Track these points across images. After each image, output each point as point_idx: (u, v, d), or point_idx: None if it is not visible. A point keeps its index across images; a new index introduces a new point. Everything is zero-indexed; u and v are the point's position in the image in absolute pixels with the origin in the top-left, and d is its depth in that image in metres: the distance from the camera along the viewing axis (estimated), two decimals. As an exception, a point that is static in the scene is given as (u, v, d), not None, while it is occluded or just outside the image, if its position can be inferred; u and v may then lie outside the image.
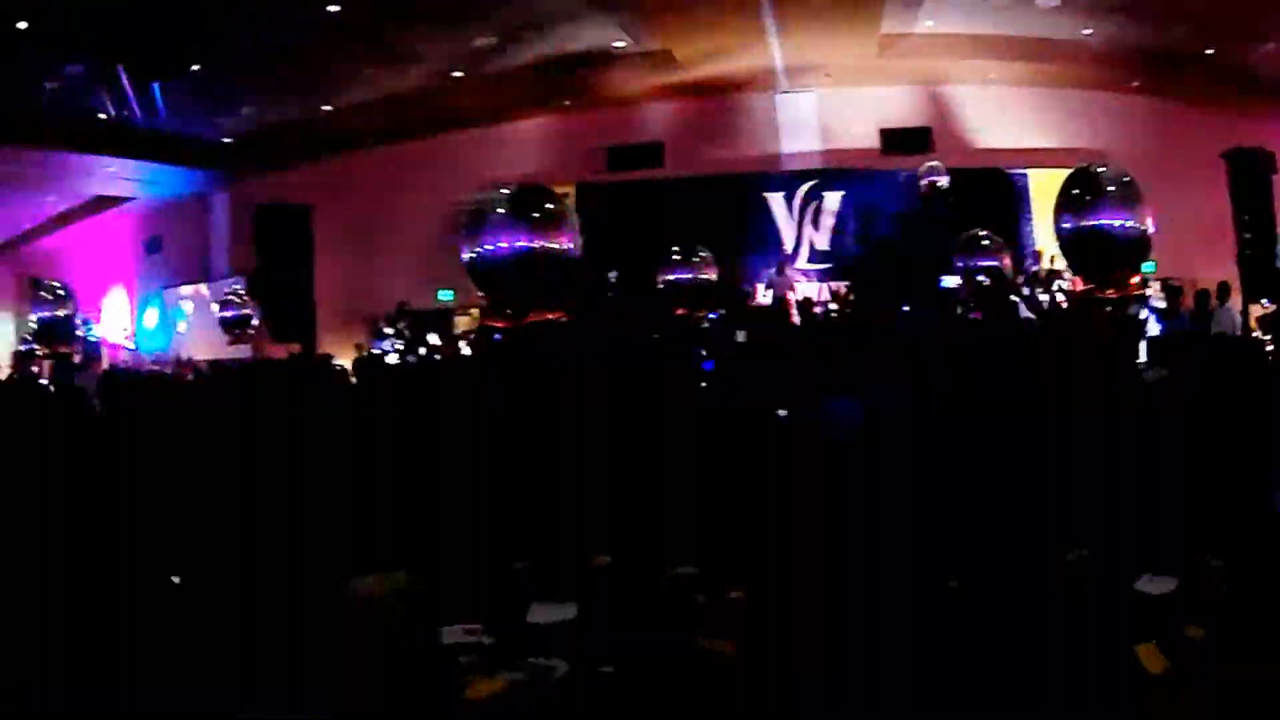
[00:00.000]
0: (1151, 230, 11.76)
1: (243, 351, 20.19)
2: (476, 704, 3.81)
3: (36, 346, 17.46)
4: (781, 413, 6.57)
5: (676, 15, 18.02)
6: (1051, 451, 5.57)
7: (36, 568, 4.64)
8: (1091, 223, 11.81)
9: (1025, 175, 22.27)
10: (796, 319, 17.67)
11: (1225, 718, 3.70)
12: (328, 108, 21.38)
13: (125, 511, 5.16)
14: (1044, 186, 19.59)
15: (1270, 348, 12.22)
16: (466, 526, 5.27)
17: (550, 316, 10.72)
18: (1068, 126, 21.88)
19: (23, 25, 14.96)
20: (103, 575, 4.63)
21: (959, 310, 16.15)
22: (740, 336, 13.82)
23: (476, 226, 11.15)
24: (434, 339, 20.34)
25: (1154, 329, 14.71)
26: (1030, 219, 21.84)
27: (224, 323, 19.93)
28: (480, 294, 12.13)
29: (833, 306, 20.03)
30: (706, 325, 16.56)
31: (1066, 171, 12.81)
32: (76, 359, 17.38)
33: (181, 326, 26.49)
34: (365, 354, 19.62)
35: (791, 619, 4.49)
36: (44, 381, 16.12)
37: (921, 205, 20.92)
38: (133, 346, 26.50)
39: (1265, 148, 14.60)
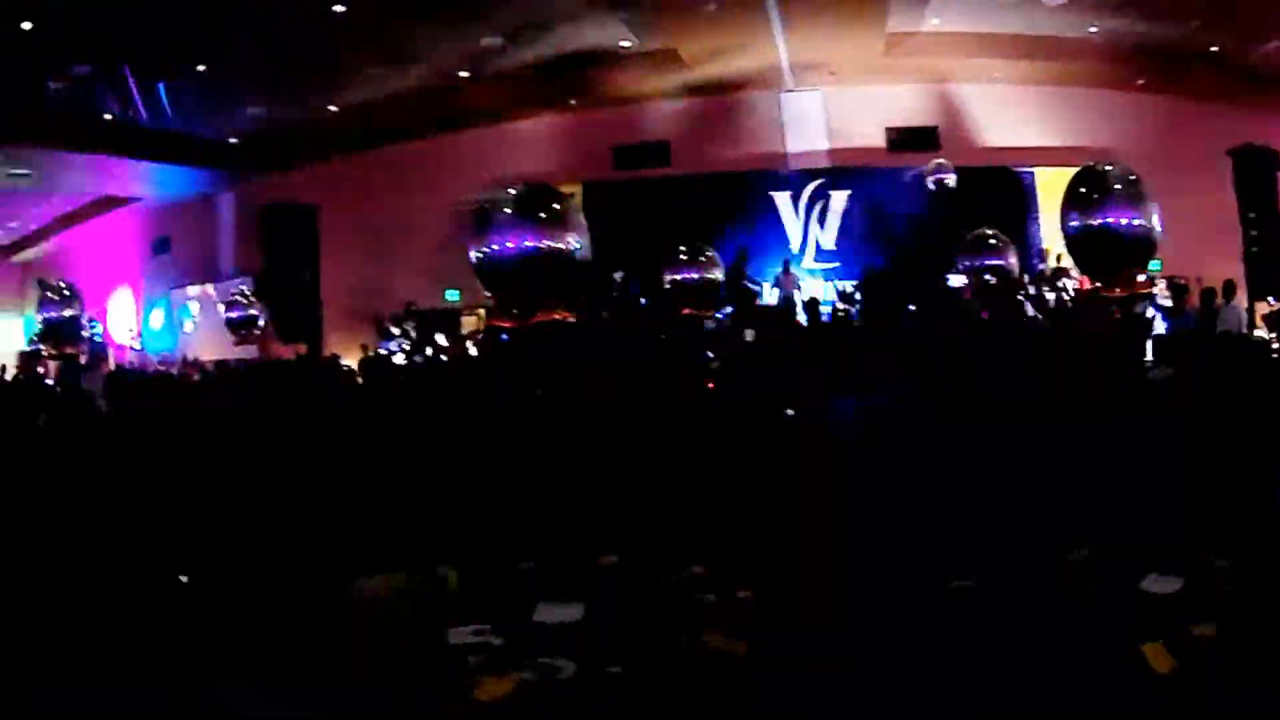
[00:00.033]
0: (1158, 229, 11.75)
1: (249, 352, 20.20)
2: (485, 704, 3.81)
3: (43, 346, 17.47)
4: (789, 412, 6.57)
5: (682, 14, 18.02)
6: (1057, 450, 5.57)
7: (43, 567, 4.65)
8: (1098, 221, 11.80)
9: (1032, 173, 22.26)
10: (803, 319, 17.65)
11: (1233, 717, 3.69)
12: (334, 108, 21.42)
13: (131, 511, 5.18)
14: (1050, 185, 19.57)
15: (1276, 345, 12.19)
16: (474, 526, 5.27)
17: (557, 316, 10.72)
18: (1074, 125, 21.86)
19: (28, 26, 14.98)
20: (109, 574, 4.64)
21: (966, 310, 16.12)
22: (748, 336, 13.81)
23: (483, 226, 11.15)
24: (441, 339, 20.33)
25: (1160, 327, 14.69)
26: (1037, 217, 21.82)
27: (230, 323, 19.93)
28: (487, 294, 12.13)
29: (840, 306, 20.01)
30: (711, 325, 16.53)
31: (1073, 170, 12.79)
32: (82, 359, 17.38)
33: (188, 327, 26.52)
34: (372, 354, 19.62)
35: (800, 618, 4.49)
36: (49, 382, 16.15)
37: (929, 204, 20.94)
38: (139, 347, 26.53)
39: (1271, 145, 14.60)
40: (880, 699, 3.91)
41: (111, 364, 22.36)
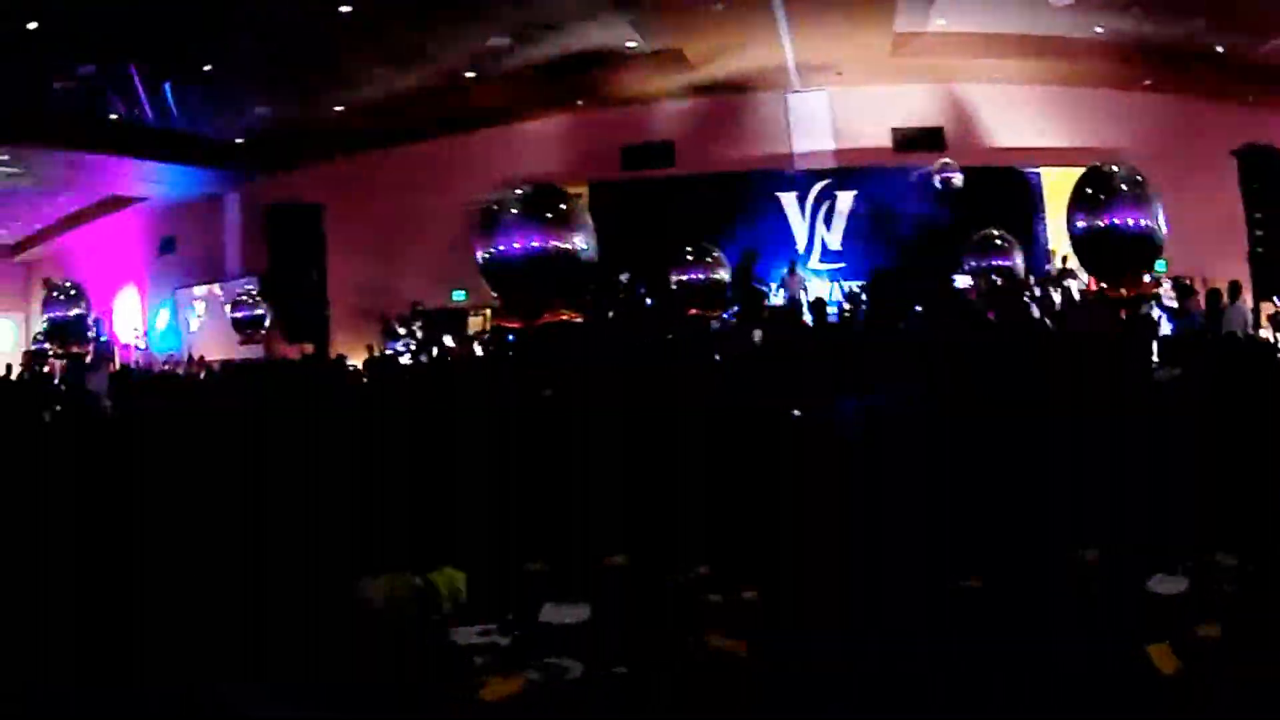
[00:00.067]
0: (1164, 230, 11.74)
1: (255, 352, 20.21)
2: (491, 704, 3.82)
3: (49, 346, 17.47)
4: (796, 413, 6.57)
5: (688, 15, 18.02)
6: (1062, 451, 5.57)
7: (47, 566, 4.66)
8: (1104, 222, 11.78)
9: (1038, 174, 22.24)
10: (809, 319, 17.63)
11: (1238, 718, 3.69)
12: (340, 107, 21.42)
13: (135, 510, 5.18)
14: (1057, 185, 19.57)
15: (1282, 346, 12.20)
16: (480, 527, 5.28)
17: (564, 317, 10.70)
18: (1079, 125, 21.84)
19: (33, 25, 14.99)
20: (113, 574, 4.65)
21: (972, 311, 16.10)
22: (757, 337, 13.80)
23: (490, 226, 11.14)
24: (449, 341, 20.34)
25: (1165, 328, 14.69)
26: (1043, 218, 21.80)
27: (236, 323, 19.94)
28: (494, 294, 12.13)
29: (846, 307, 20.00)
30: (716, 325, 16.51)
31: (1079, 170, 12.78)
32: (88, 359, 17.39)
33: (194, 326, 26.55)
34: (379, 354, 19.63)
35: (805, 618, 4.50)
36: (55, 381, 16.16)
37: (935, 204, 20.93)
38: (144, 346, 26.56)
39: (1276, 145, 14.60)
40: (885, 699, 3.91)
41: (117, 364, 22.38)
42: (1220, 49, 18.96)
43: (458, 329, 21.41)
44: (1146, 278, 12.23)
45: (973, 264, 16.88)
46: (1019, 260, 16.91)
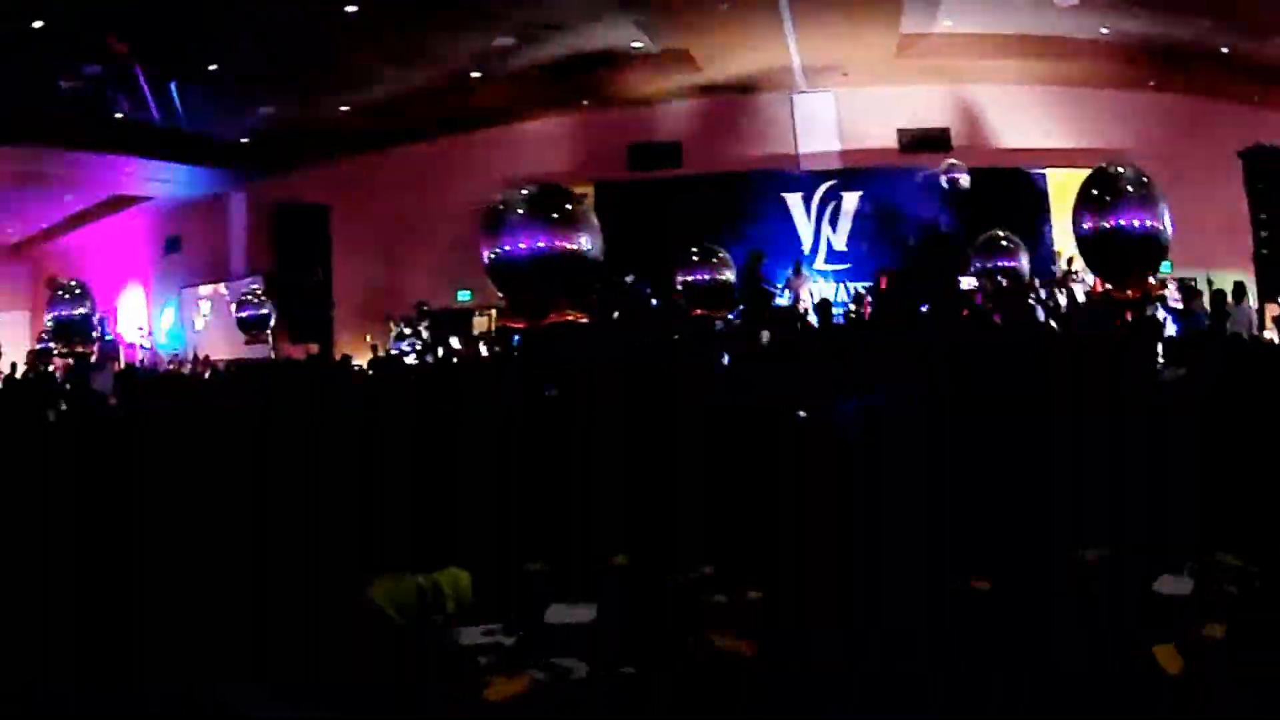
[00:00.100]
0: (1170, 231, 11.74)
1: (261, 351, 20.23)
2: (496, 705, 3.82)
3: (53, 345, 17.48)
4: (801, 413, 6.57)
5: (694, 16, 18.02)
6: (1067, 452, 5.57)
7: (49, 565, 4.66)
8: (1110, 224, 11.79)
9: (1044, 175, 22.22)
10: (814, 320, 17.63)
11: (1243, 719, 3.69)
12: (346, 108, 21.42)
13: (138, 509, 5.18)
14: (1062, 186, 19.56)
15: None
16: (484, 527, 5.27)
17: (570, 317, 10.71)
18: (1085, 126, 21.82)
19: (39, 25, 15.00)
20: (115, 573, 4.65)
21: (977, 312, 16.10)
22: (765, 337, 13.79)
23: (496, 227, 11.15)
24: (455, 343, 20.35)
25: (1170, 329, 14.68)
26: (1049, 219, 21.78)
27: (241, 322, 19.96)
28: (499, 294, 12.14)
29: (851, 307, 20.03)
30: (720, 326, 16.51)
31: (1084, 171, 12.78)
32: (93, 358, 17.40)
33: (199, 326, 26.58)
34: (384, 354, 19.64)
35: (808, 618, 4.49)
36: (59, 380, 16.15)
37: (941, 205, 20.93)
38: (149, 345, 26.57)
39: (1281, 145, 14.60)
40: (888, 699, 3.91)
41: (122, 363, 22.39)
42: (1225, 49, 18.94)
43: (463, 329, 21.41)
44: (1152, 279, 12.23)
45: (979, 265, 16.89)
46: (1025, 261, 16.91)
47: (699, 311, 16.53)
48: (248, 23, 16.23)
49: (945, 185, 20.71)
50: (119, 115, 19.01)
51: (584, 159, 23.01)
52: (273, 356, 19.81)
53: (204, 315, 26.60)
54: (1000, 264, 16.56)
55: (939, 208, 21.10)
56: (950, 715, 3.85)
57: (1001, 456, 5.63)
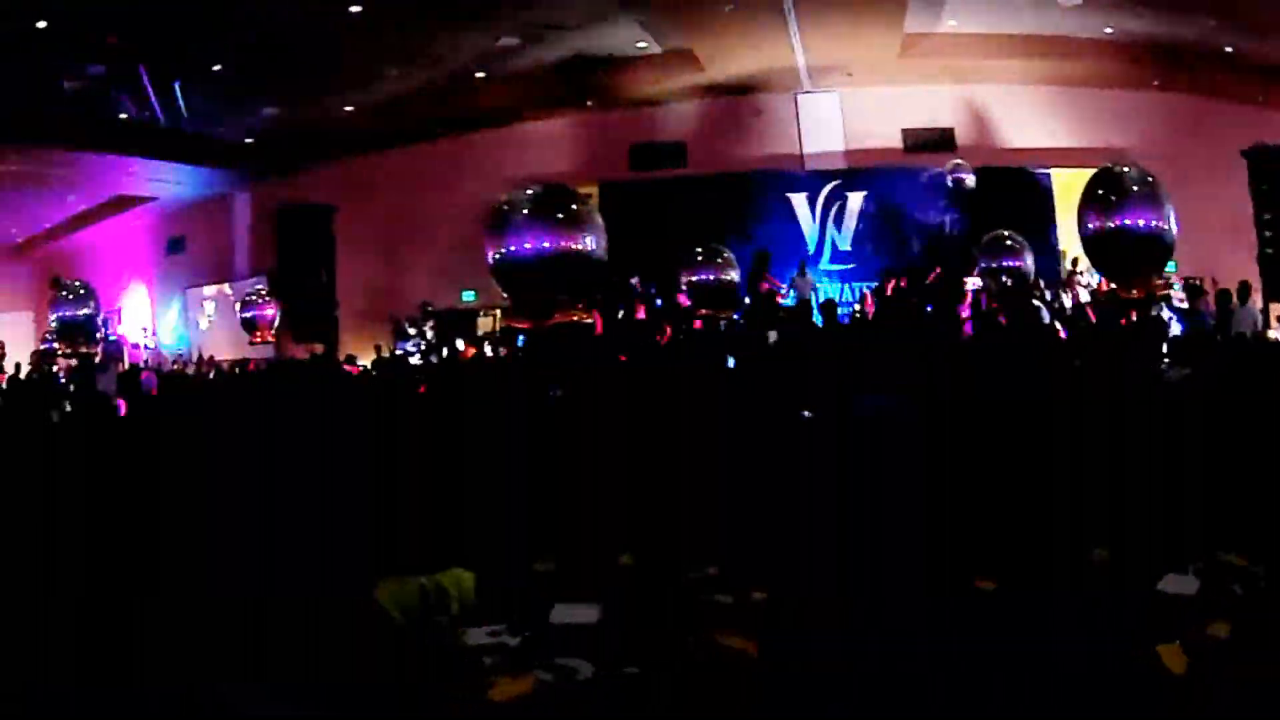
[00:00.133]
0: (1175, 231, 11.72)
1: (265, 351, 20.21)
2: (501, 705, 3.81)
3: (57, 345, 17.47)
4: (805, 414, 6.57)
5: (698, 16, 18.02)
6: (1071, 452, 5.56)
7: (51, 564, 4.66)
8: (1115, 223, 11.76)
9: (1049, 175, 22.19)
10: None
11: (1247, 717, 3.68)
12: (350, 108, 21.44)
13: (140, 509, 5.18)
14: (1067, 186, 19.54)
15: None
16: (490, 527, 5.27)
17: (574, 318, 10.70)
18: (1089, 125, 21.81)
19: (43, 25, 15.00)
20: (116, 573, 4.65)
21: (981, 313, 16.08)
22: (772, 338, 13.78)
23: (500, 227, 11.14)
24: (461, 345, 20.34)
25: (1175, 329, 14.67)
26: (1054, 218, 21.74)
27: (246, 323, 19.94)
28: (504, 295, 12.13)
29: (856, 308, 20.01)
30: (723, 325, 16.49)
31: (1089, 171, 12.76)
32: (97, 359, 17.39)
33: (203, 326, 26.59)
34: (389, 354, 19.64)
35: (810, 619, 4.49)
36: (63, 380, 16.16)
37: (945, 205, 20.90)
38: (153, 345, 26.57)
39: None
40: (889, 699, 3.91)
41: (126, 363, 22.39)
42: (1229, 49, 18.95)
43: (467, 330, 21.40)
44: (1157, 279, 12.21)
45: (984, 265, 16.87)
46: (1030, 261, 16.89)
47: (704, 311, 16.50)
48: (251, 23, 16.24)
49: (950, 185, 20.67)
50: (123, 116, 19.01)
51: (588, 159, 23.00)
52: (276, 356, 19.82)
53: (208, 315, 26.62)
54: (1005, 264, 16.50)
55: (944, 208, 21.06)
56: (950, 715, 3.85)
57: (1006, 456, 5.62)
